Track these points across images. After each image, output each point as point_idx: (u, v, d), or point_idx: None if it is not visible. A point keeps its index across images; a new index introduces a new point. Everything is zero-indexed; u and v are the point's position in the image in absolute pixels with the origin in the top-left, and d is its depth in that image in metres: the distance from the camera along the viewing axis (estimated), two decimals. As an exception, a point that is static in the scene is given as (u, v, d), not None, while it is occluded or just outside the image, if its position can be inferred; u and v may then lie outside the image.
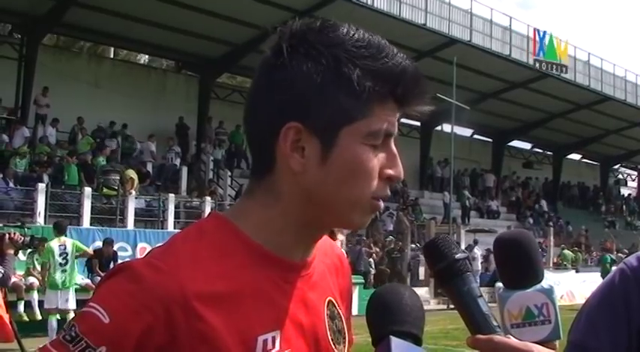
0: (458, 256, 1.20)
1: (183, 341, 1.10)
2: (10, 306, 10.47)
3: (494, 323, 1.19)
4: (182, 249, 1.16)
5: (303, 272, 1.25)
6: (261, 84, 1.20)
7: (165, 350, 1.10)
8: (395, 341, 1.12)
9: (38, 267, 13.43)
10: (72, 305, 12.69)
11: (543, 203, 39.60)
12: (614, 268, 1.79)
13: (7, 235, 8.34)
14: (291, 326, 1.21)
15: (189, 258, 1.14)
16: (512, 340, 1.15)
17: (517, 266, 1.32)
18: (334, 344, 1.28)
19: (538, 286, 1.33)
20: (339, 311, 1.33)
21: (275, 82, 1.18)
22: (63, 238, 12.98)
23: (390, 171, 1.20)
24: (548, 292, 1.33)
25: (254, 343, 1.15)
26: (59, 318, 12.61)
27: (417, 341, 1.16)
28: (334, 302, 1.32)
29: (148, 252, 1.19)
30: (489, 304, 1.23)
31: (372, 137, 1.17)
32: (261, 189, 1.22)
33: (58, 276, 12.47)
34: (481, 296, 1.21)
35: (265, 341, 1.16)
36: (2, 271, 7.92)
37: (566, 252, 32.26)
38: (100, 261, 14.69)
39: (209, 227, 1.21)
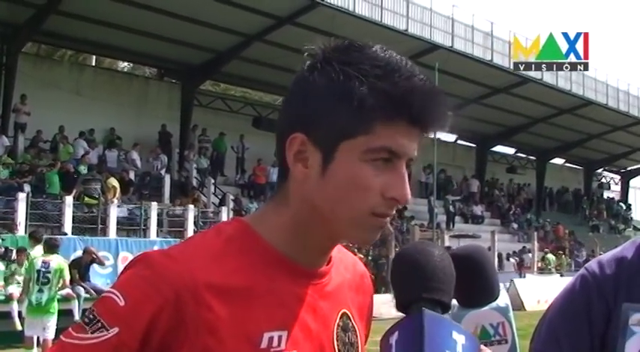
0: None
1: (191, 328, 1.15)
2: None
3: None
4: (198, 243, 1.25)
5: (316, 280, 1.29)
6: (286, 96, 1.28)
7: (173, 334, 1.15)
8: (428, 315, 1.08)
9: (18, 278, 13.28)
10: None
11: (528, 208, 39.78)
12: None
13: None
14: (299, 329, 1.24)
15: (204, 251, 1.21)
16: None
17: (471, 283, 1.27)
18: None
19: (493, 304, 1.29)
20: (355, 324, 1.35)
21: (293, 94, 1.25)
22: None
23: (393, 193, 1.19)
24: (504, 311, 1.29)
25: (259, 338, 1.19)
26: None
27: (445, 308, 1.13)
28: (349, 315, 1.34)
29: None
30: None
31: (372, 154, 1.18)
32: (278, 195, 1.28)
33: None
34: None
35: (271, 339, 1.20)
36: None
37: (549, 256, 32.35)
38: (79, 270, 14.58)
39: (227, 227, 1.28)
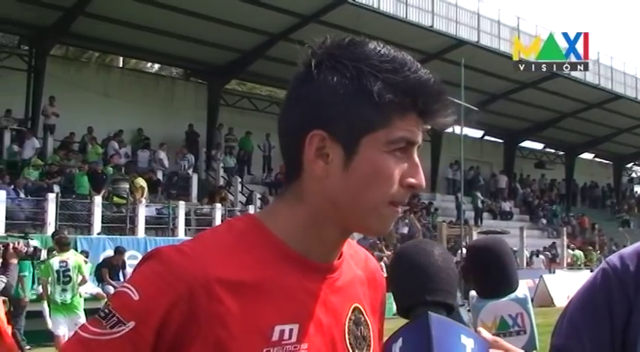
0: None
1: (203, 321, 1.18)
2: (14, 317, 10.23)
3: None
4: (210, 239, 1.27)
5: (327, 275, 1.31)
6: (291, 95, 1.30)
7: (186, 328, 1.18)
8: (434, 319, 1.06)
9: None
10: None
11: (557, 203, 39.48)
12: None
13: (11, 245, 8.34)
14: (311, 323, 1.26)
15: (215, 247, 1.24)
16: None
17: (490, 275, 1.27)
18: (352, 349, 1.32)
19: (512, 295, 1.29)
20: (367, 319, 1.37)
21: (303, 94, 1.27)
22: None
23: (411, 180, 1.25)
24: (523, 302, 1.29)
25: (270, 331, 1.22)
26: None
27: (449, 310, 1.12)
28: (361, 309, 1.36)
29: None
30: None
31: (392, 145, 1.23)
32: (290, 192, 1.30)
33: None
34: (462, 305, 1.19)
35: (282, 332, 1.23)
36: (5, 280, 7.90)
37: (576, 252, 32.08)
38: (109, 269, 14.69)
39: (238, 223, 1.31)
